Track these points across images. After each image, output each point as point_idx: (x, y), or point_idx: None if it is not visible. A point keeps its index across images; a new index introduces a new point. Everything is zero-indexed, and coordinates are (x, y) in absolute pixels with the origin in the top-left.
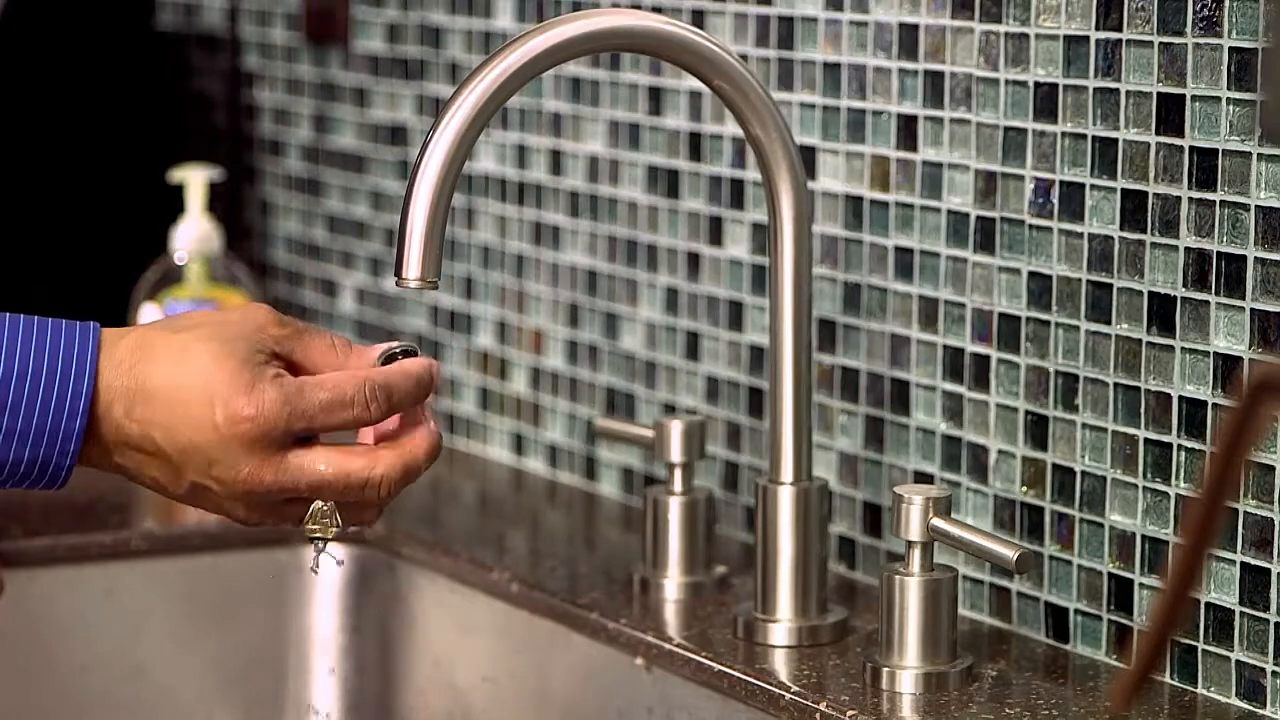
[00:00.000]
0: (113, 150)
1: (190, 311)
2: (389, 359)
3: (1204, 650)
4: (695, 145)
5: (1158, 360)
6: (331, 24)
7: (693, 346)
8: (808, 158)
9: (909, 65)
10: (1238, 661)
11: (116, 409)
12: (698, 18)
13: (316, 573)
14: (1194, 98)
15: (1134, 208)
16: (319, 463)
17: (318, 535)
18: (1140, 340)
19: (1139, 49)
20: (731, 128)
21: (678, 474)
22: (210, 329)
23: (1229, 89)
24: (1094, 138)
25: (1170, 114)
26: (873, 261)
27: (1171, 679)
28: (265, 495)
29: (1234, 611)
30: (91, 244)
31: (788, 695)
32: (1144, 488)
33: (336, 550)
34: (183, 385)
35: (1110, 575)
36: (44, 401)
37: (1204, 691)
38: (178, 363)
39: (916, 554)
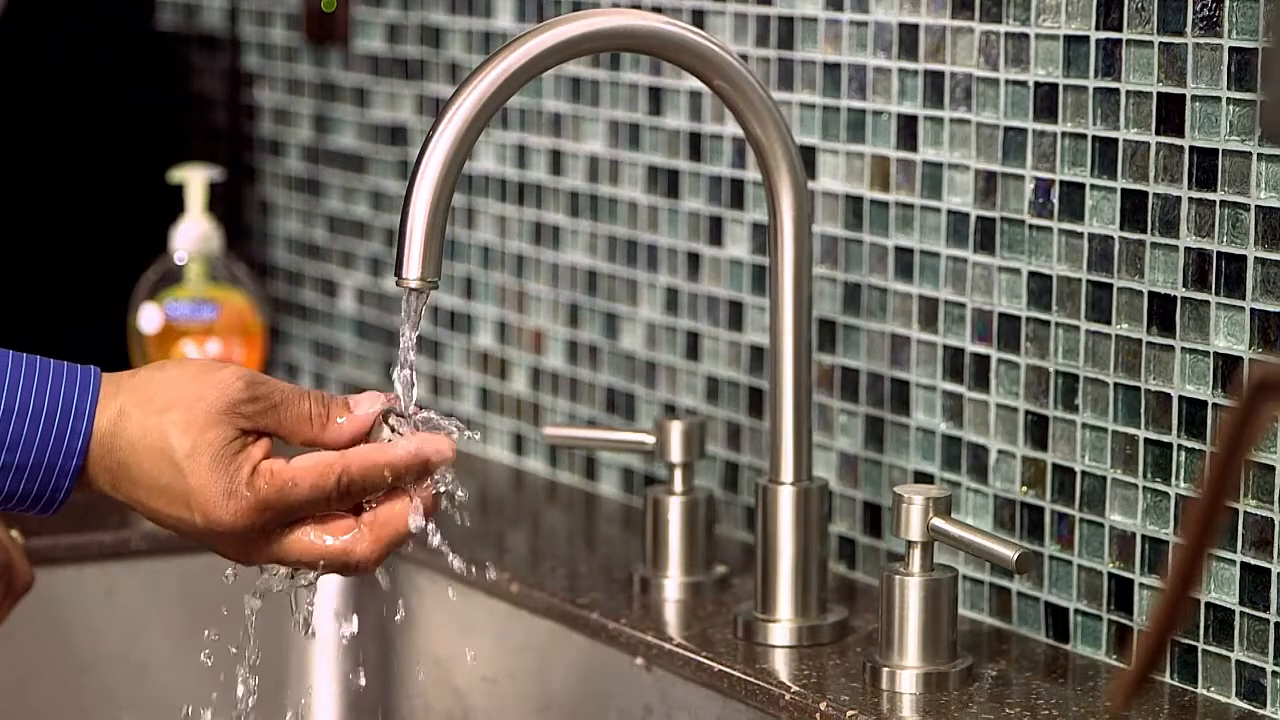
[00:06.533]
0: (113, 150)
1: (169, 372)
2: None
3: (1204, 650)
4: (695, 145)
5: (1158, 360)
6: (331, 24)
7: (693, 346)
8: (808, 158)
9: (909, 65)
10: (1238, 661)
11: (103, 480)
12: (698, 18)
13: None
14: (1194, 98)
15: (1134, 208)
16: (300, 548)
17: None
18: (1140, 340)
19: (1139, 49)
20: (731, 128)
21: (678, 474)
22: (183, 414)
23: (1229, 89)
24: (1094, 138)
25: (1170, 114)
26: (873, 261)
27: (1171, 679)
28: (257, 560)
29: (1234, 611)
30: (92, 243)
31: (788, 695)
32: (1144, 488)
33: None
34: (158, 484)
35: (1110, 575)
36: (42, 439)
37: (1204, 691)
38: (154, 459)
39: (916, 554)
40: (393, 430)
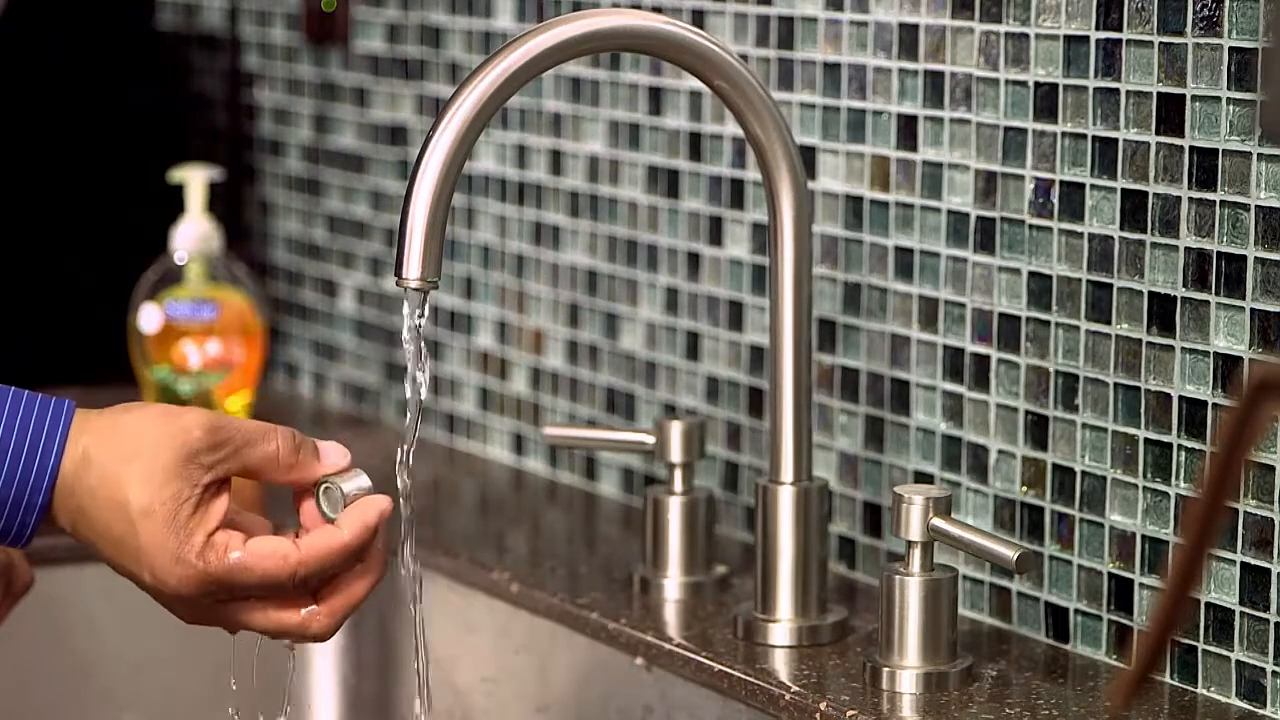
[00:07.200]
0: (113, 150)
1: (134, 415)
2: (329, 485)
3: (1204, 650)
4: (695, 145)
5: (1158, 360)
6: (331, 24)
7: (693, 346)
8: (808, 158)
9: (909, 65)
10: (1238, 661)
11: (63, 519)
12: (698, 18)
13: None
14: (1194, 98)
15: (1134, 208)
16: (256, 621)
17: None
18: (1140, 340)
19: (1139, 49)
20: (731, 128)
21: (678, 474)
22: (144, 465)
23: (1229, 89)
24: (1094, 138)
25: (1170, 114)
26: (873, 261)
27: (1171, 679)
28: (205, 624)
29: (1234, 611)
30: (92, 243)
31: (788, 695)
32: (1144, 488)
33: None
34: (111, 534)
35: (1110, 575)
36: (9, 474)
37: (1204, 691)
38: (110, 509)
39: (916, 554)
40: (325, 513)
